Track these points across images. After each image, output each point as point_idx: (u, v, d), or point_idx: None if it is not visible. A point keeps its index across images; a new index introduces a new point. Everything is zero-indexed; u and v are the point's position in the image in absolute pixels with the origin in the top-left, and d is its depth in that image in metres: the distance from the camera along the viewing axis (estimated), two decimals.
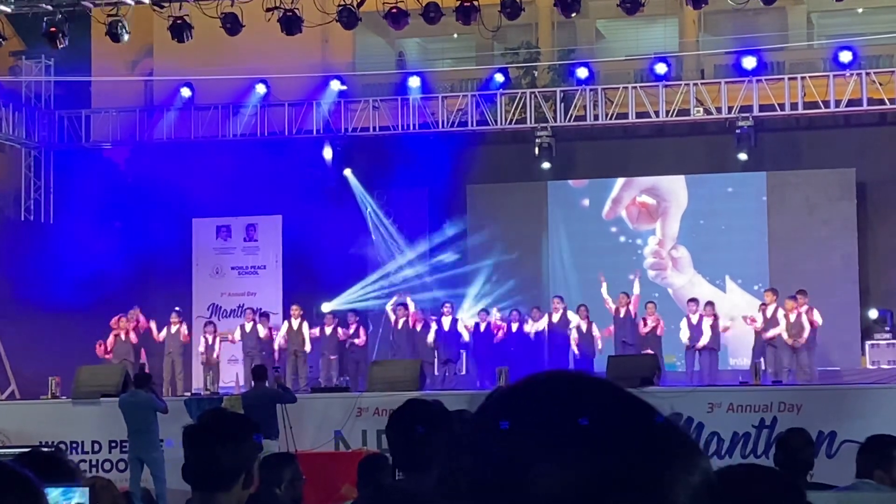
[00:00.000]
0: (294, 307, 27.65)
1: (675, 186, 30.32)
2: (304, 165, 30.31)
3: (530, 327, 27.17)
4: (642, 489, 1.52)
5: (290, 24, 23.82)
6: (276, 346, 27.10)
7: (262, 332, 27.17)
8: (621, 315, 26.87)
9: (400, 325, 27.42)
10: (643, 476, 1.53)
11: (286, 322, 27.62)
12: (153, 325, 27.45)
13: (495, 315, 27.90)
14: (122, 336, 26.94)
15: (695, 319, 26.62)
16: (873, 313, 28.69)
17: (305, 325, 27.29)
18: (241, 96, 30.73)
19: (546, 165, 30.20)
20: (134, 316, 27.21)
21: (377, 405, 22.00)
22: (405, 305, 28.07)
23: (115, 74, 32.25)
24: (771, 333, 25.77)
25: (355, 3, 23.69)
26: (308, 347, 27.07)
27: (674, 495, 1.53)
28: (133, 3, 24.29)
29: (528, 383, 1.66)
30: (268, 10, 23.77)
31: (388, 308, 28.44)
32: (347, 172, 30.91)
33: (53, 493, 4.56)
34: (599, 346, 26.89)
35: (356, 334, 27.42)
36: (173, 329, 27.44)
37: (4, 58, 28.97)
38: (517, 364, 26.12)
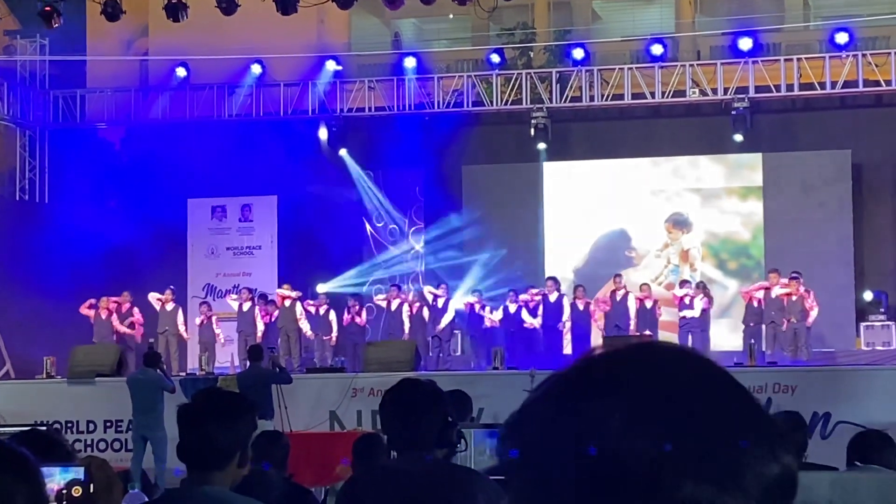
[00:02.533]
0: (286, 286, 27.66)
1: (693, 209, 30.42)
2: (300, 146, 30.29)
3: (525, 315, 27.17)
4: (717, 464, 1.51)
5: (286, 4, 23.78)
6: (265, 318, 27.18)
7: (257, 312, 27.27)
8: (617, 298, 26.88)
9: (394, 308, 27.43)
10: (720, 452, 1.52)
11: (274, 303, 27.62)
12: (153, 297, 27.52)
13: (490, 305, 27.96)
14: (103, 316, 26.97)
15: (687, 300, 26.69)
16: (868, 295, 28.74)
17: (299, 304, 27.29)
18: (236, 76, 30.70)
19: (542, 146, 30.18)
20: (116, 301, 27.19)
21: (372, 385, 22.05)
22: (399, 287, 28.10)
23: (110, 54, 32.19)
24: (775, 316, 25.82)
25: None
26: (306, 326, 27.07)
27: (749, 478, 1.52)
28: None
29: (623, 351, 1.63)
30: None
31: (379, 297, 28.46)
32: (343, 153, 30.88)
33: (53, 472, 4.55)
34: (601, 326, 26.92)
35: (358, 314, 27.42)
36: (168, 308, 27.47)
37: (0, 36, 28.89)
38: (512, 345, 26.21)
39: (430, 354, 26.41)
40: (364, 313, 27.75)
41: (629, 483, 1.49)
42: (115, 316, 27.09)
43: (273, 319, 27.22)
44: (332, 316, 27.50)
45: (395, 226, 31.10)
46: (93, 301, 27.08)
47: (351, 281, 29.80)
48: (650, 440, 1.49)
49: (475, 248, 29.93)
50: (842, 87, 28.78)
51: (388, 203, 31.02)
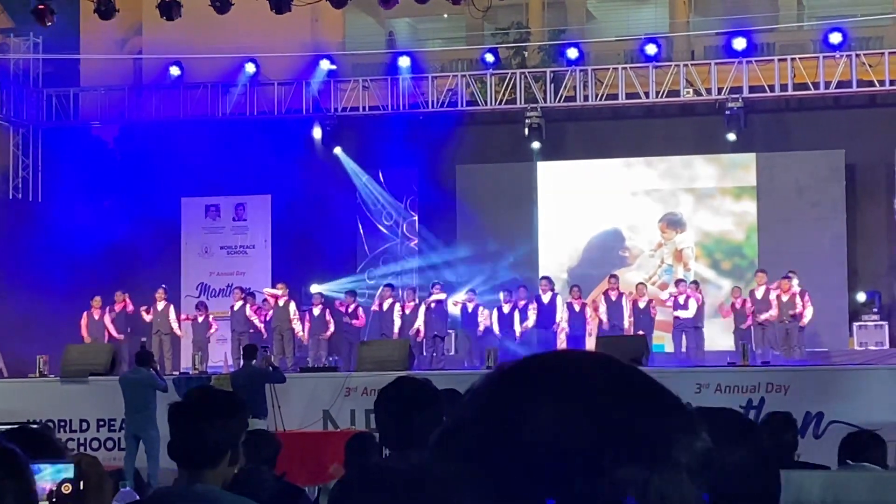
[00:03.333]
0: (279, 285, 27.67)
1: (687, 208, 30.42)
2: (294, 145, 30.30)
3: (517, 321, 27.19)
4: (646, 447, 1.57)
5: (280, 2, 23.79)
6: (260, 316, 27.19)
7: (248, 311, 27.30)
8: (612, 298, 26.90)
9: (385, 307, 27.44)
10: (647, 436, 1.58)
11: (267, 301, 27.64)
12: (141, 309, 27.50)
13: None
14: (96, 316, 26.99)
15: (681, 299, 26.75)
16: (861, 295, 28.78)
17: (292, 304, 27.30)
18: (230, 75, 30.70)
19: (536, 146, 30.22)
20: (121, 298, 27.23)
21: (366, 385, 22.05)
22: (391, 286, 28.11)
23: (104, 52, 32.18)
24: (765, 316, 25.86)
25: None
26: (298, 327, 27.09)
27: (676, 455, 1.58)
28: None
29: (538, 359, 1.68)
30: None
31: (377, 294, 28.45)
32: (338, 151, 30.89)
33: (43, 469, 4.55)
34: (590, 328, 26.93)
35: (355, 314, 27.43)
36: (160, 307, 27.47)
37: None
38: (505, 345, 26.22)
39: (424, 354, 26.41)
40: (360, 312, 27.71)
41: (571, 471, 1.55)
42: (107, 315, 27.12)
43: (268, 319, 27.24)
44: (328, 315, 27.55)
45: (390, 222, 31.08)
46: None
47: (345, 282, 29.78)
48: (584, 432, 1.56)
49: (469, 247, 29.93)
50: (835, 88, 28.84)
51: (383, 199, 31.00)
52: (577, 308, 27.06)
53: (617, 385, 1.63)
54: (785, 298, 25.76)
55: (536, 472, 1.56)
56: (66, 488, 4.59)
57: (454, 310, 27.67)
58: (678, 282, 27.70)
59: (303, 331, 27.15)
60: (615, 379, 1.64)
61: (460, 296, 28.13)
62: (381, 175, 31.06)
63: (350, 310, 27.48)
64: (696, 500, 1.60)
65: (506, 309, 27.07)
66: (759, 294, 26.12)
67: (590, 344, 25.80)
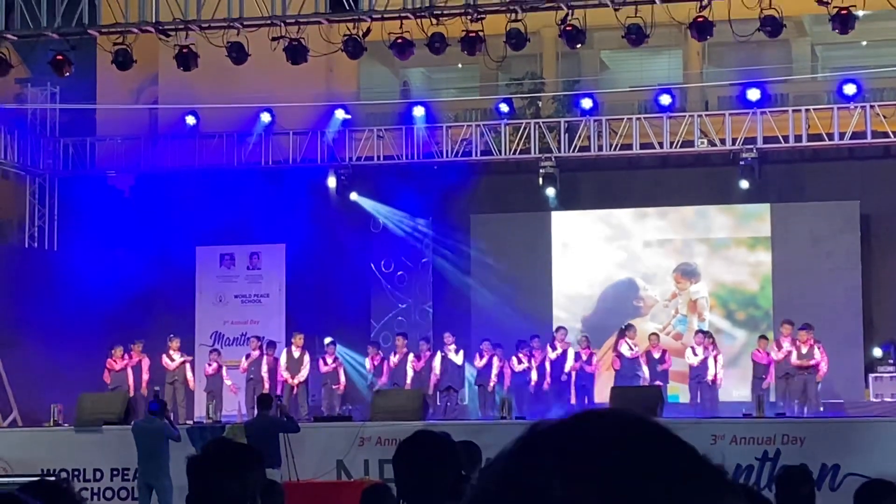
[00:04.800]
0: (296, 336, 27.65)
1: (701, 259, 30.40)
2: (309, 194, 30.35)
3: (525, 364, 27.16)
4: None
5: (296, 53, 23.88)
6: (280, 377, 27.07)
7: (283, 360, 27.23)
8: (624, 352, 26.85)
9: (398, 357, 27.40)
10: None
11: (286, 351, 27.57)
12: (163, 357, 27.48)
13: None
14: (117, 367, 26.99)
15: (700, 352, 26.69)
16: (877, 349, 28.68)
17: (307, 355, 27.28)
18: (246, 125, 30.78)
19: (550, 195, 30.20)
20: (137, 349, 27.21)
21: (380, 435, 22.02)
22: (405, 335, 28.08)
23: (120, 102, 32.32)
24: (797, 362, 25.75)
25: (360, 33, 23.75)
26: (303, 376, 27.01)
27: None
28: (139, 31, 24.35)
29: (571, 422, 1.62)
30: (273, 39, 23.85)
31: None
32: (354, 196, 30.88)
33: None
34: (605, 377, 26.90)
35: (400, 364, 27.36)
36: (176, 357, 27.46)
37: (10, 85, 29.01)
38: (519, 395, 26.18)
39: (438, 404, 26.36)
40: (376, 361, 27.66)
41: None
42: (127, 365, 27.09)
43: (272, 376, 27.13)
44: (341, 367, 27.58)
45: (402, 272, 31.09)
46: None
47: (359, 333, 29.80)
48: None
49: (484, 297, 29.91)
50: (850, 138, 28.83)
51: (404, 230, 30.99)
52: (584, 357, 27.07)
53: (657, 460, 1.56)
54: (804, 350, 25.70)
55: None
56: None
57: (469, 360, 27.63)
58: (698, 332, 27.70)
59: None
60: (654, 452, 1.57)
61: (479, 355, 28.07)
62: (393, 225, 31.09)
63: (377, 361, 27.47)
64: None
65: (518, 367, 27.04)
66: (785, 345, 26.02)
67: (601, 393, 25.75)
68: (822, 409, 25.35)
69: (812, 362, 25.73)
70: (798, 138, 29.03)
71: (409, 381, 26.82)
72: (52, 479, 8.49)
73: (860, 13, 22.78)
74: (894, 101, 29.77)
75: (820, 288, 28.70)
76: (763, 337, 26.90)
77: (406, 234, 31.05)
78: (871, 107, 28.80)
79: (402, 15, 23.65)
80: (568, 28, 23.30)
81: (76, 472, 22.88)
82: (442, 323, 29.57)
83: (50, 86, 30.33)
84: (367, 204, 30.99)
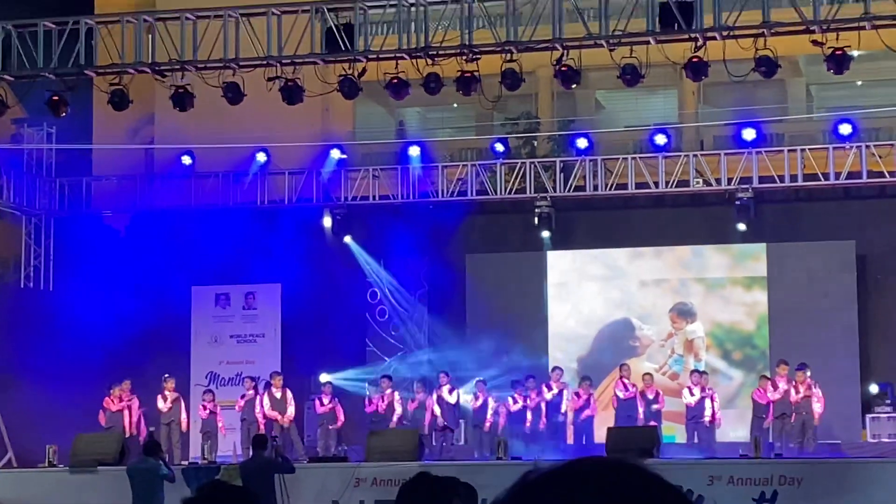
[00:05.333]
0: (275, 377, 27.54)
1: (697, 298, 30.41)
2: (304, 234, 30.39)
3: (520, 404, 27.15)
4: None
5: (292, 93, 23.95)
6: (267, 415, 26.94)
7: (267, 402, 27.13)
8: (620, 395, 26.87)
9: (386, 398, 27.36)
10: None
11: (267, 394, 27.27)
12: (159, 397, 27.41)
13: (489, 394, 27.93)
14: (113, 408, 26.93)
15: (696, 392, 26.70)
16: (874, 387, 28.69)
17: (289, 393, 27.20)
18: (241, 164, 30.85)
19: (545, 235, 30.28)
20: (125, 388, 27.10)
21: (375, 475, 22.03)
22: (389, 377, 28.05)
23: (116, 142, 32.39)
24: (796, 398, 25.78)
25: (356, 73, 23.82)
26: (291, 413, 26.93)
27: None
28: (135, 71, 24.42)
29: (560, 471, 1.65)
30: (269, 79, 23.92)
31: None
32: (348, 239, 30.96)
33: None
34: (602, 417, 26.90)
35: (388, 408, 27.31)
36: (170, 396, 27.41)
37: (6, 125, 29.08)
38: (515, 436, 26.16)
39: (434, 444, 26.32)
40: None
41: None
42: (128, 406, 27.04)
43: (266, 419, 27.03)
44: (338, 405, 27.51)
45: (400, 310, 31.05)
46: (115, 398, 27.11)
47: (353, 374, 29.77)
48: None
49: (479, 336, 29.89)
50: (845, 178, 28.91)
51: (392, 289, 30.99)
52: (583, 398, 27.09)
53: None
54: (801, 390, 25.72)
55: None
56: None
57: (464, 400, 27.62)
58: (694, 372, 27.71)
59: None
60: (642, 501, 1.60)
61: (469, 386, 28.09)
62: (389, 265, 31.07)
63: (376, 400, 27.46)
64: None
65: (514, 407, 27.03)
66: (781, 385, 26.01)
67: (599, 432, 25.76)
68: (814, 449, 25.30)
69: (815, 413, 25.78)
70: (794, 178, 29.13)
71: (395, 419, 26.79)
72: None
73: (855, 53, 22.85)
74: (889, 140, 29.87)
75: (816, 327, 28.74)
76: (765, 377, 26.87)
77: (401, 274, 31.06)
78: (867, 146, 28.91)
79: (398, 55, 23.73)
80: (563, 68, 23.39)
81: None
82: (437, 364, 29.53)
83: (46, 126, 30.38)
84: (361, 255, 31.00)
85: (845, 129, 28.70)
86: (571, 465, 1.66)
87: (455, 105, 34.56)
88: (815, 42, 22.47)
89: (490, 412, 27.03)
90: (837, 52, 22.29)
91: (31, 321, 29.57)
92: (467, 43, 23.33)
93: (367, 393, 27.76)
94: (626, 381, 27.00)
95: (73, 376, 27.75)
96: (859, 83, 32.78)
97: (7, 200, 31.07)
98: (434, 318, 30.69)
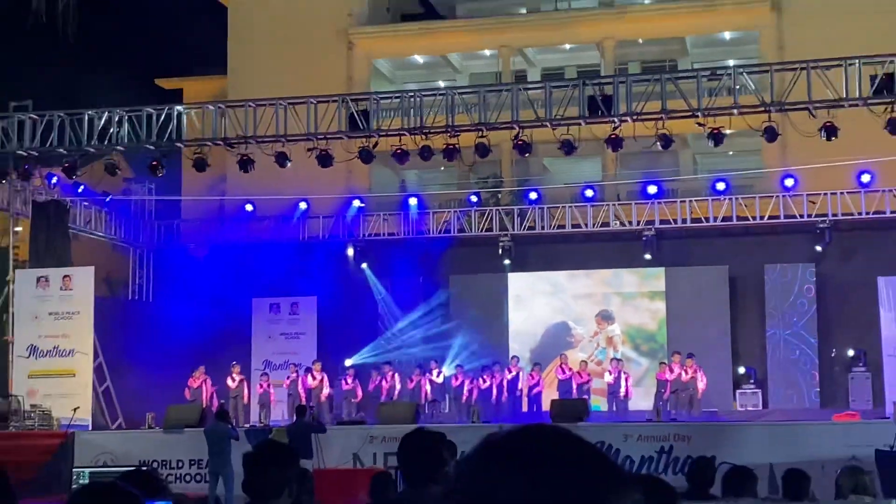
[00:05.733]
0: (315, 363, 27.48)
1: (616, 307, 30.37)
2: (333, 261, 30.45)
3: (489, 383, 27.12)
4: None
5: (324, 159, 23.98)
6: (301, 391, 26.82)
7: (311, 381, 27.07)
8: (559, 377, 26.83)
9: (388, 382, 27.30)
10: (594, 502, 1.54)
11: (310, 375, 27.16)
12: (228, 379, 27.34)
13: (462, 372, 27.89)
14: (194, 385, 26.90)
15: (614, 374, 26.73)
16: (741, 370, 28.77)
17: (325, 377, 27.12)
18: (288, 211, 30.94)
19: (507, 262, 30.34)
20: (202, 371, 27.04)
21: (384, 434, 21.95)
22: (390, 363, 28.08)
23: (198, 195, 32.43)
24: (686, 377, 25.77)
25: (371, 146, 23.90)
26: (325, 392, 26.82)
27: None
28: (212, 144, 24.47)
29: (511, 435, 1.65)
30: (308, 150, 23.97)
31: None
32: (364, 266, 30.99)
33: None
34: (547, 393, 26.87)
35: (391, 385, 27.19)
36: (236, 377, 27.39)
37: (119, 183, 29.07)
38: (485, 406, 26.12)
39: (427, 412, 26.27)
40: (397, 379, 27.50)
41: None
42: (204, 384, 26.97)
43: (311, 388, 27.03)
44: (358, 384, 27.47)
45: (398, 316, 30.98)
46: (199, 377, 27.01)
47: (367, 357, 29.72)
48: (540, 498, 1.52)
49: (458, 335, 29.88)
50: (721, 221, 29.07)
51: (397, 303, 30.97)
52: (534, 378, 27.12)
53: (572, 462, 1.58)
54: (689, 373, 25.75)
55: None
56: None
57: (448, 379, 27.58)
58: (613, 360, 27.74)
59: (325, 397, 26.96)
60: (571, 456, 1.59)
61: (451, 370, 28.06)
62: (395, 283, 31.00)
63: (376, 380, 27.41)
64: None
65: (483, 385, 26.97)
66: (675, 369, 26.04)
67: (545, 404, 25.71)
68: (699, 415, 25.30)
69: (699, 389, 25.77)
70: (684, 221, 29.30)
71: (395, 394, 26.69)
72: (145, 468, 8.42)
73: (727, 132, 22.99)
74: (753, 194, 30.03)
75: (700, 328, 28.75)
76: (663, 363, 26.88)
77: (402, 289, 31.05)
78: (736, 198, 29.08)
79: (401, 133, 23.83)
80: (519, 142, 23.47)
81: (164, 462, 22.76)
82: (428, 352, 29.50)
83: (148, 182, 30.41)
84: (372, 279, 30.91)
85: (720, 186, 28.87)
86: (524, 428, 1.66)
87: (442, 168, 34.70)
88: (698, 124, 22.62)
89: (466, 389, 26.99)
90: (715, 131, 22.43)
91: (136, 324, 29.54)
92: (451, 124, 23.42)
93: (372, 375, 27.67)
94: (564, 366, 26.96)
95: (165, 363, 27.70)
96: (731, 153, 32.97)
97: (119, 237, 31.14)
98: (425, 320, 30.63)
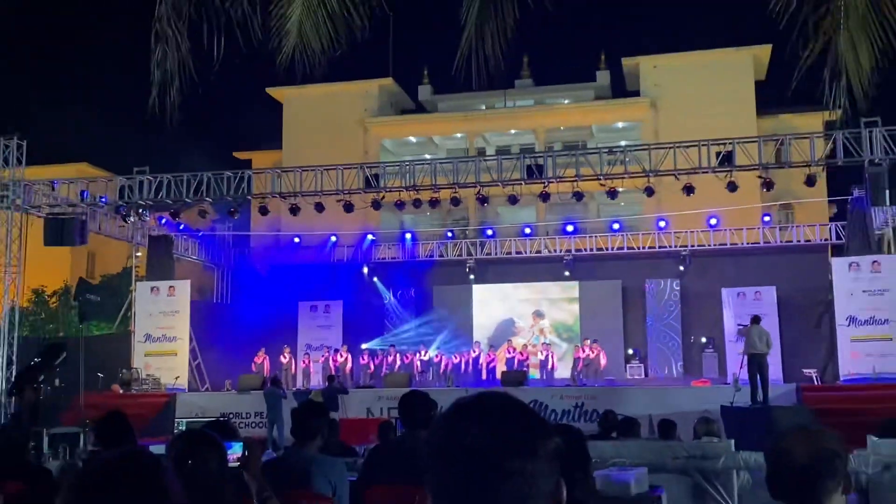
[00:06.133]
0: (343, 347, 27.34)
1: (546, 308, 30.23)
2: (354, 277, 30.30)
3: (460, 359, 27.05)
4: (526, 449, 1.52)
5: (348, 207, 23.90)
6: (331, 366, 26.71)
7: (339, 359, 26.94)
8: (507, 355, 26.79)
9: (391, 357, 27.22)
10: (526, 443, 1.53)
11: (339, 353, 27.12)
12: (280, 357, 27.15)
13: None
14: (258, 361, 26.69)
15: (544, 354, 26.68)
16: (630, 351, 28.76)
17: (349, 356, 26.99)
18: (323, 242, 30.79)
19: (472, 277, 30.28)
20: (262, 353, 26.89)
21: (388, 395, 21.79)
22: (394, 346, 27.93)
23: (262, 231, 32.26)
24: (591, 356, 25.71)
25: (380, 198, 23.86)
26: (348, 366, 26.67)
27: (541, 452, 1.53)
28: (272, 196, 24.33)
29: (472, 400, 1.64)
30: (337, 200, 23.90)
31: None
32: (375, 280, 30.87)
33: (229, 445, 4.53)
34: (500, 368, 26.82)
35: (393, 361, 27.00)
36: (287, 356, 27.20)
37: (208, 222, 28.89)
38: (456, 375, 26.03)
39: (417, 380, 26.18)
40: (397, 359, 27.40)
41: (485, 460, 1.51)
42: (264, 361, 26.80)
43: (338, 364, 26.91)
44: (371, 361, 27.32)
45: (401, 315, 30.90)
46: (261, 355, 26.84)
47: (377, 343, 29.57)
48: (493, 442, 1.52)
49: (440, 328, 29.79)
50: (616, 250, 29.11)
51: (398, 304, 30.88)
52: (490, 357, 27.03)
53: (513, 415, 1.57)
54: (595, 352, 25.74)
55: (466, 458, 1.52)
56: (240, 456, 4.58)
57: (432, 357, 27.47)
58: (544, 345, 27.69)
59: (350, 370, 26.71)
60: (512, 411, 1.59)
61: (434, 350, 27.96)
62: (397, 292, 30.93)
63: (391, 358, 27.26)
64: (553, 476, 1.55)
65: (455, 361, 26.94)
66: (586, 350, 26.01)
67: (498, 374, 25.65)
68: (603, 381, 25.30)
69: (601, 364, 25.76)
70: (591, 249, 29.33)
71: (396, 368, 26.53)
72: (223, 419, 8.37)
73: (620, 189, 23.09)
74: (637, 231, 30.13)
75: (602, 322, 28.75)
76: (577, 346, 26.90)
77: (405, 295, 30.96)
78: (626, 234, 29.16)
79: (400, 189, 23.79)
80: (480, 196, 23.51)
81: (236, 414, 22.53)
82: (417, 339, 29.37)
83: (227, 222, 30.26)
84: (381, 288, 30.79)
85: (616, 226, 28.96)
86: (482, 393, 1.65)
87: (428, 213, 34.69)
88: (601, 184, 22.69)
89: (444, 364, 26.89)
90: (611, 189, 22.51)
91: (218, 319, 29.29)
92: (434, 184, 23.42)
93: (380, 355, 27.52)
94: (510, 349, 26.91)
95: (238, 346, 27.48)
96: (622, 204, 33.16)
97: (208, 259, 30.89)
98: (418, 318, 30.56)
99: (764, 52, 37.98)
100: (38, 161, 28.72)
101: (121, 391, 24.26)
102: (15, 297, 22.99)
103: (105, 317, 29.44)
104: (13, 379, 20.60)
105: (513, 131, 40.66)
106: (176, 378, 24.94)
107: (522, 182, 22.81)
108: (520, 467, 1.52)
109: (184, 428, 17.30)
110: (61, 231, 23.08)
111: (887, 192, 19.22)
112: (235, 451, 4.68)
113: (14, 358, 22.27)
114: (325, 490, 5.03)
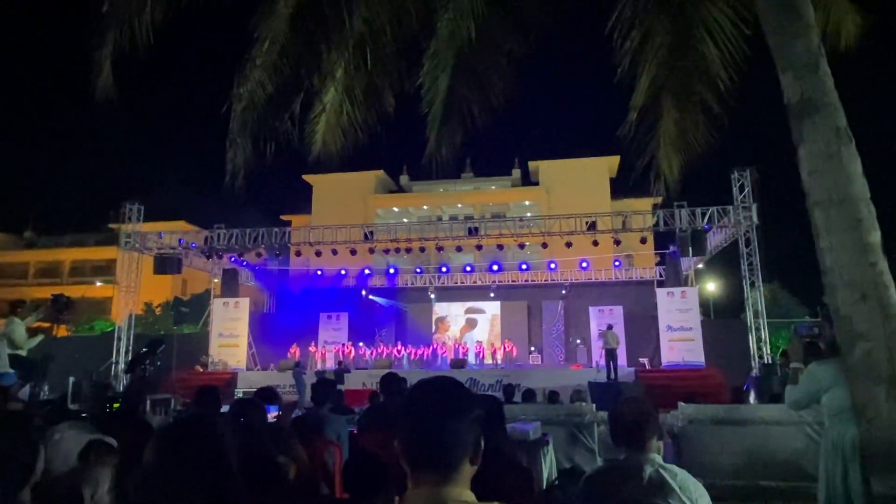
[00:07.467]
0: (348, 343, 26.91)
1: (479, 318, 30.14)
2: (356, 295, 29.91)
3: (424, 353, 26.71)
4: (458, 414, 1.45)
5: (353, 252, 23.81)
6: (340, 356, 26.23)
7: (346, 350, 26.44)
8: (457, 348, 26.60)
9: (381, 349, 26.83)
10: (463, 410, 1.48)
11: (344, 347, 26.63)
12: (309, 348, 26.57)
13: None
14: (291, 352, 26.14)
15: (477, 348, 26.52)
16: (532, 348, 28.65)
17: (353, 349, 26.56)
18: (337, 275, 30.29)
19: (433, 297, 30.01)
20: (295, 348, 26.34)
21: (376, 374, 21.33)
22: (384, 342, 27.57)
23: (297, 267, 31.79)
24: (508, 350, 25.55)
25: (374, 247, 23.79)
26: (352, 356, 26.24)
27: (467, 416, 1.44)
28: (305, 244, 24.14)
29: (428, 380, 1.59)
30: (347, 248, 23.75)
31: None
32: (371, 297, 30.51)
33: (271, 407, 4.51)
34: (450, 357, 26.63)
35: (381, 352, 26.44)
36: (312, 349, 26.68)
37: (261, 260, 28.37)
38: (420, 363, 25.72)
39: (395, 365, 25.79)
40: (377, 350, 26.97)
41: (435, 425, 1.33)
42: (295, 352, 26.22)
43: (345, 354, 26.44)
44: (367, 353, 26.85)
45: (386, 323, 30.51)
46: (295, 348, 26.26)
47: (370, 341, 29.02)
48: (443, 410, 1.36)
49: (413, 335, 29.42)
50: (524, 283, 28.91)
51: (384, 316, 30.43)
52: (443, 350, 26.76)
53: (452, 389, 1.54)
54: (509, 348, 25.63)
55: (421, 417, 1.48)
56: (279, 415, 4.61)
57: (406, 353, 27.13)
58: (477, 341, 27.51)
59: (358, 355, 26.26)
60: (450, 389, 1.56)
61: (406, 349, 27.58)
62: (387, 309, 30.59)
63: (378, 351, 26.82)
64: (474, 433, 1.40)
65: (420, 351, 26.60)
66: (506, 346, 25.81)
67: (448, 361, 25.44)
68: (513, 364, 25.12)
69: (514, 355, 25.44)
70: (509, 281, 29.30)
71: (381, 357, 26.05)
72: (267, 388, 8.34)
73: (526, 243, 23.39)
74: (538, 270, 30.19)
75: (513, 329, 28.30)
76: (495, 344, 26.62)
77: (389, 309, 30.70)
78: (531, 273, 29.11)
79: (388, 241, 23.77)
80: (438, 246, 23.62)
81: (279, 385, 21.85)
82: (396, 339, 29.03)
83: (274, 260, 29.73)
84: (379, 301, 30.52)
85: (524, 266, 28.94)
86: (436, 377, 1.57)
87: (405, 256, 34.08)
88: (514, 240, 22.93)
89: (412, 354, 26.49)
90: (521, 244, 22.79)
91: (267, 324, 28.63)
92: (408, 238, 23.45)
93: (372, 349, 27.09)
94: (456, 345, 26.71)
95: (279, 342, 26.91)
96: (529, 252, 33.11)
97: (257, 284, 30.20)
98: (398, 326, 30.19)
99: (615, 160, 39.48)
100: (152, 218, 28.20)
101: (200, 370, 23.69)
102: (133, 308, 23.20)
103: (192, 321, 28.76)
104: (129, 362, 20.13)
105: (459, 205, 41.23)
106: (237, 361, 24.33)
107: (465, 238, 23.02)
108: (453, 425, 1.50)
109: (241, 395, 16.93)
110: (165, 265, 23.21)
111: (690, 247, 20.11)
112: (275, 411, 4.72)
113: (130, 348, 22.23)
114: (333, 437, 4.99)
